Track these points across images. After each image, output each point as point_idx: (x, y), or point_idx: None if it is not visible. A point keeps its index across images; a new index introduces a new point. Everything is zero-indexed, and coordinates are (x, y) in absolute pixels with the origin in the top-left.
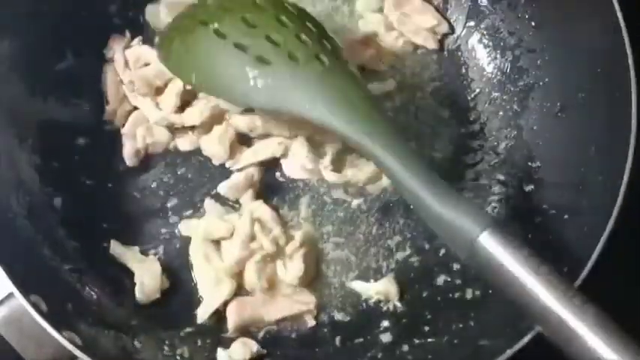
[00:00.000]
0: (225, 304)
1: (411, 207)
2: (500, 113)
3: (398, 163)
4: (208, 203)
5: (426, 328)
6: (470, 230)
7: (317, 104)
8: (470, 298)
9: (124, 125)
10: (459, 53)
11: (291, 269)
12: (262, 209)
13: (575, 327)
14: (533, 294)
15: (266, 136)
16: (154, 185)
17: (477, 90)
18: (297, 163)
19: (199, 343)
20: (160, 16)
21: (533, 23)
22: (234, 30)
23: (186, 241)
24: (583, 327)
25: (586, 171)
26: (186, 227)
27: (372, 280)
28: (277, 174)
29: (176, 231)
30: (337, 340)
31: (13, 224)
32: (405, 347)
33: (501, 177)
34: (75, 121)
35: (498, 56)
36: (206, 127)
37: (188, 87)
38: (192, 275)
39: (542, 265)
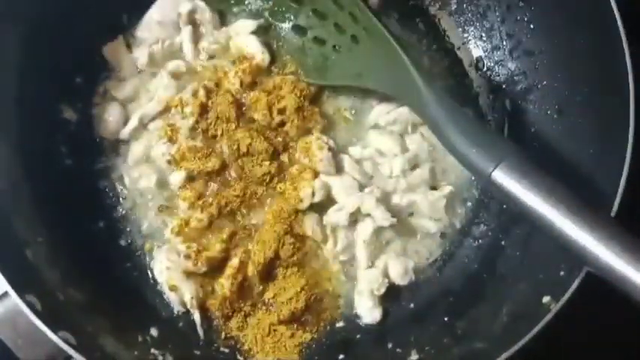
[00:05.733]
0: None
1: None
2: (498, 115)
3: (429, 96)
4: None
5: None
6: (484, 167)
7: (371, 72)
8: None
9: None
10: (459, 56)
11: None
12: None
13: (597, 252)
14: (552, 224)
15: None
16: None
17: (476, 91)
18: None
19: None
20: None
21: (531, 26)
22: (311, 23)
23: None
24: (605, 251)
25: (584, 173)
26: None
27: None
28: None
29: None
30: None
31: (8, 224)
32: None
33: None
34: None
35: (497, 58)
36: None
37: None
38: None
39: (560, 195)
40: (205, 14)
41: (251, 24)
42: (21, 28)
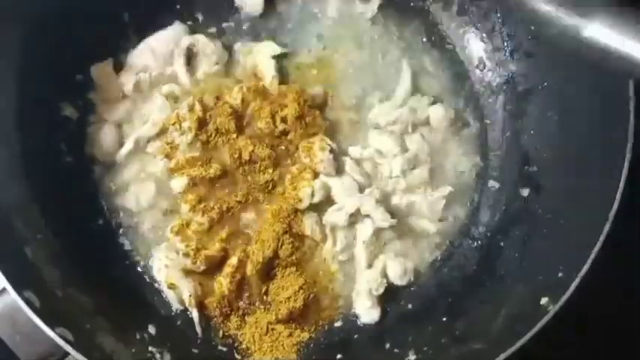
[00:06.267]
0: None
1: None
2: (499, 116)
3: None
4: None
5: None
6: (575, 27)
7: None
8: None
9: None
10: (461, 57)
11: None
12: None
13: None
14: None
15: None
16: None
17: (477, 92)
18: None
19: None
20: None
21: (532, 27)
22: None
23: None
24: None
25: (583, 175)
26: None
27: None
28: None
29: None
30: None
31: (8, 221)
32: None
33: (497, 181)
34: None
35: (497, 59)
36: None
37: None
38: None
39: None
40: (207, 48)
41: (276, 49)
42: (22, 26)
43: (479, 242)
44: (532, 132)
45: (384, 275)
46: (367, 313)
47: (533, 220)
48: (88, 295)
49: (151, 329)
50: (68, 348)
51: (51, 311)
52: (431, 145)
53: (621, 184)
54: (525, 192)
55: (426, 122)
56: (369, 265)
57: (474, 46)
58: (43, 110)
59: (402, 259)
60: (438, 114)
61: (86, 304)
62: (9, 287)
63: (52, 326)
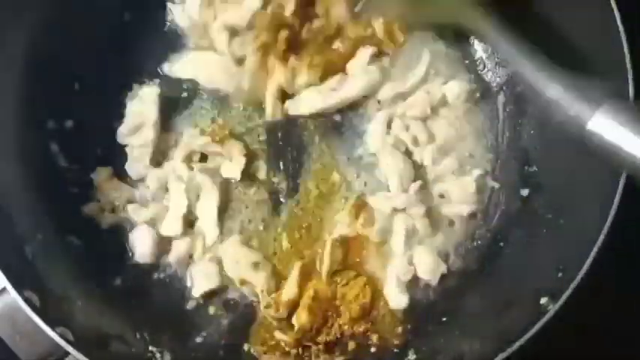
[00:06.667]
0: None
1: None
2: (499, 117)
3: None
4: None
5: None
6: (579, 117)
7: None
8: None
9: None
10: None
11: None
12: None
13: None
14: None
15: None
16: None
17: (477, 94)
18: None
19: None
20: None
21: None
22: None
23: None
24: None
25: (582, 175)
26: None
27: None
28: None
29: None
30: None
31: (8, 220)
32: None
33: (497, 181)
34: None
35: (497, 59)
36: None
37: None
38: None
39: None
40: None
41: None
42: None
43: (478, 242)
44: (532, 132)
45: (412, 264)
46: (397, 298)
47: (533, 220)
48: (88, 295)
49: (152, 328)
50: (68, 348)
51: (51, 311)
52: (456, 128)
53: (621, 184)
54: (525, 192)
55: (444, 102)
56: (404, 255)
57: (474, 45)
58: (45, 110)
59: (436, 254)
60: (454, 89)
61: (86, 304)
62: (9, 287)
63: (52, 326)
